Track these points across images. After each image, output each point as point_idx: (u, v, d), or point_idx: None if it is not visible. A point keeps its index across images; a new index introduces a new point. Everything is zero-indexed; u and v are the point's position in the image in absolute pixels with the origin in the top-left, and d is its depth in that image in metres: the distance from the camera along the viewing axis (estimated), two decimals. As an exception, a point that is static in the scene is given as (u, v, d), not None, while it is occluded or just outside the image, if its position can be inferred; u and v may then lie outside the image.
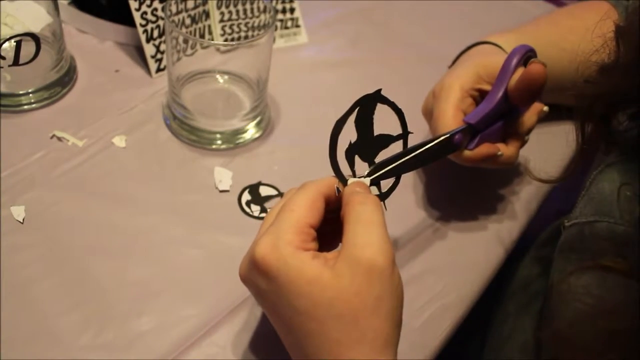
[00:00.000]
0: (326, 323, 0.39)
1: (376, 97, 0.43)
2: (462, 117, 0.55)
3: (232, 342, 0.50)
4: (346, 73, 0.75)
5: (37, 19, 0.62)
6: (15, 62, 0.61)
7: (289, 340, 0.42)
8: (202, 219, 0.57)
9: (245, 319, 0.51)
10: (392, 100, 0.44)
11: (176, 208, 0.58)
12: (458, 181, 0.65)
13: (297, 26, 0.77)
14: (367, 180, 0.44)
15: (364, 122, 0.43)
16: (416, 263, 0.57)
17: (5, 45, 0.60)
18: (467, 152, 0.55)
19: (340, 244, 0.41)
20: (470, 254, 0.59)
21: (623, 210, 0.46)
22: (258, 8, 0.67)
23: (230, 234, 0.56)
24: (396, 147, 0.46)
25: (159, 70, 0.69)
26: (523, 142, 0.59)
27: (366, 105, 0.43)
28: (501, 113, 0.56)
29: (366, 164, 0.45)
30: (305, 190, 0.42)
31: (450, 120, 0.55)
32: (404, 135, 0.46)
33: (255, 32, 0.69)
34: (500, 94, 0.55)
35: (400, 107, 0.45)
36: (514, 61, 0.55)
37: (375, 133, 0.44)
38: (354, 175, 0.44)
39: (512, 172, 0.67)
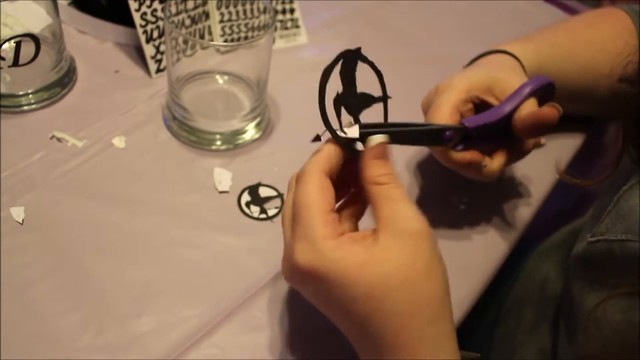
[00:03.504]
0: (385, 299, 0.39)
1: (357, 54, 0.44)
2: (458, 117, 0.55)
3: (232, 343, 0.50)
4: (346, 73, 0.75)
5: (37, 20, 0.62)
6: (15, 62, 0.61)
7: (352, 332, 0.42)
8: (202, 219, 0.57)
9: (244, 320, 0.51)
10: (371, 60, 0.45)
11: (176, 209, 0.58)
12: (457, 183, 0.65)
13: (297, 27, 0.77)
14: (356, 130, 0.44)
15: (348, 77, 0.44)
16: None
17: (5, 46, 0.60)
18: (452, 153, 0.55)
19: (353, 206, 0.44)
20: (470, 255, 0.59)
21: None
22: (258, 9, 0.67)
23: (230, 235, 0.56)
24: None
25: (158, 70, 0.70)
26: (509, 162, 0.58)
27: (348, 60, 0.44)
28: (498, 130, 0.55)
29: (351, 118, 0.45)
30: (308, 177, 0.42)
31: (446, 116, 0.54)
32: (384, 98, 0.46)
33: (255, 33, 0.69)
34: (505, 112, 0.54)
35: (388, 95, 0.45)
36: (528, 90, 0.54)
37: (359, 90, 0.44)
38: (341, 126, 0.44)
39: (511, 172, 0.67)
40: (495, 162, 0.56)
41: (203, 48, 0.64)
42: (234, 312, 0.52)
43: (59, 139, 0.62)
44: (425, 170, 0.65)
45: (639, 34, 0.61)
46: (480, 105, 0.57)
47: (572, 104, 0.59)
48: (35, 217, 0.55)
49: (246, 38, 0.70)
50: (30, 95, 0.64)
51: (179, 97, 0.63)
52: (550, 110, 0.52)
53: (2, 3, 0.60)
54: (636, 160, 0.50)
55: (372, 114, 0.45)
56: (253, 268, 0.55)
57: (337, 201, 0.43)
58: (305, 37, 0.78)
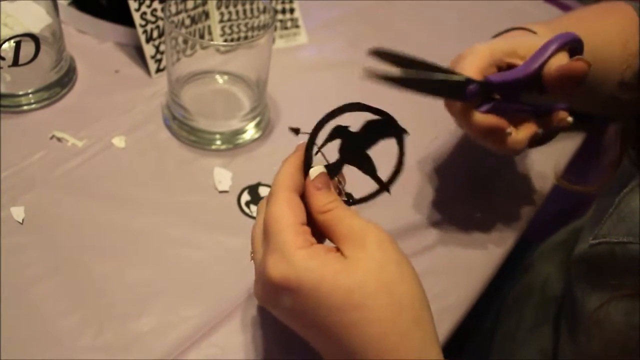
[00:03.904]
0: (364, 307, 0.38)
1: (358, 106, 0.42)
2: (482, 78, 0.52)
3: (232, 343, 0.50)
4: (346, 73, 0.75)
5: (36, 20, 0.62)
6: (15, 62, 0.61)
7: (332, 347, 0.40)
8: (202, 219, 0.57)
9: (244, 320, 0.51)
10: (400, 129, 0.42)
11: (175, 208, 0.58)
12: (457, 182, 0.65)
13: (297, 26, 0.77)
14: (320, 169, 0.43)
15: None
16: (415, 264, 0.57)
17: (5, 45, 0.60)
18: (476, 114, 0.51)
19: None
20: (470, 255, 0.59)
21: None
22: (258, 8, 0.67)
23: (230, 235, 0.56)
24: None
25: (158, 70, 0.70)
26: (534, 138, 0.54)
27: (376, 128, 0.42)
28: (526, 91, 0.52)
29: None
30: (275, 196, 0.41)
31: (471, 74, 0.51)
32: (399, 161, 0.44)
33: (255, 33, 0.69)
34: (532, 67, 0.51)
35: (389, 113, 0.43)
36: (556, 44, 0.51)
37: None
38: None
39: (511, 172, 0.67)
40: (521, 133, 0.53)
41: (203, 48, 0.64)
42: (234, 312, 0.52)
43: (59, 139, 0.62)
44: (424, 170, 0.65)
45: None
46: (506, 70, 0.54)
47: (580, 99, 0.58)
48: (35, 217, 0.55)
49: (246, 38, 0.70)
50: (30, 95, 0.64)
51: (179, 97, 0.63)
52: (580, 64, 0.50)
53: (2, 3, 0.60)
54: (636, 162, 0.49)
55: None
56: (253, 268, 0.55)
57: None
58: (305, 37, 0.78)
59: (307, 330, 0.41)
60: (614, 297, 0.46)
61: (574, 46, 0.53)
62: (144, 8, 0.66)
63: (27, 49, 0.61)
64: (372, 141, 0.43)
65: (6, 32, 0.60)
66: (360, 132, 0.43)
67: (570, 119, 0.55)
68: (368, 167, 0.44)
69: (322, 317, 0.38)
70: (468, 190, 0.64)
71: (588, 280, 0.52)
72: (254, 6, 0.68)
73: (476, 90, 0.49)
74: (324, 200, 0.41)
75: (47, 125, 0.63)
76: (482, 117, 0.51)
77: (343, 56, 0.77)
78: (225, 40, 0.70)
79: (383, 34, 0.82)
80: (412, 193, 0.63)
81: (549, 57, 0.51)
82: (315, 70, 0.75)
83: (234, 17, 0.69)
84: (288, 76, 0.73)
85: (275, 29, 0.76)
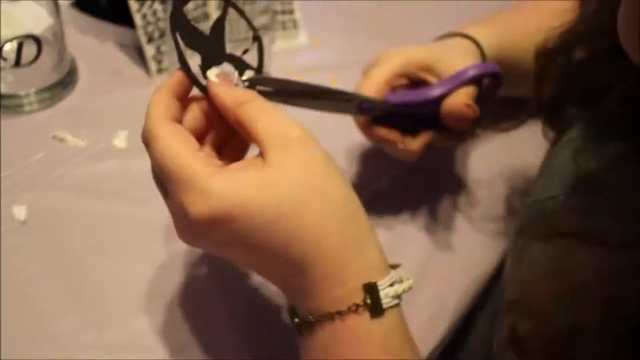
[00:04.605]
0: (298, 214, 0.37)
1: None
2: (387, 91, 0.53)
3: (232, 342, 0.50)
4: (346, 74, 0.75)
5: (38, 21, 0.63)
6: (17, 63, 0.61)
7: (274, 267, 0.39)
8: (202, 219, 0.57)
9: (245, 319, 0.52)
10: None
11: (176, 208, 0.58)
12: (457, 182, 0.65)
13: (297, 27, 0.78)
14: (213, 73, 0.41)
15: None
16: (414, 263, 0.58)
17: (7, 46, 0.60)
18: (370, 126, 0.53)
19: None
20: (470, 255, 0.59)
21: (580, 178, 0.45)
22: (257, 9, 0.68)
23: (230, 235, 0.57)
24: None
25: (159, 71, 0.70)
26: (437, 144, 0.56)
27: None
28: (425, 112, 0.53)
29: None
30: (154, 132, 0.39)
31: (373, 88, 0.52)
32: (256, 38, 0.43)
33: (255, 33, 0.69)
34: (433, 95, 0.52)
35: None
36: (468, 75, 0.52)
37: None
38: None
39: (511, 168, 0.67)
40: (416, 143, 0.54)
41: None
42: (234, 311, 0.52)
43: (60, 139, 0.62)
44: (418, 171, 0.65)
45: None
46: (418, 83, 0.55)
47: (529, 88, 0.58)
48: (36, 217, 0.55)
49: (246, 38, 0.70)
50: (32, 96, 0.64)
51: (179, 98, 0.63)
52: (468, 110, 0.51)
53: (3, 4, 0.61)
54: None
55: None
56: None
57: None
58: (305, 37, 0.78)
59: (246, 256, 0.39)
60: (531, 239, 0.46)
61: (493, 78, 0.54)
62: (144, 9, 0.67)
63: (29, 49, 0.61)
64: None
65: (8, 33, 0.61)
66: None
67: (478, 132, 0.57)
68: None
69: (257, 238, 0.37)
70: (467, 190, 0.64)
71: (519, 242, 0.50)
72: (254, 7, 0.69)
73: (370, 108, 0.51)
74: (238, 93, 0.40)
75: (49, 125, 0.63)
76: (376, 130, 0.53)
77: (342, 57, 0.77)
78: (229, 42, 0.70)
79: (383, 35, 0.82)
80: (410, 193, 0.63)
81: (457, 87, 0.52)
82: (314, 71, 0.75)
83: (234, 17, 0.69)
84: (288, 76, 0.73)
85: (275, 29, 0.76)
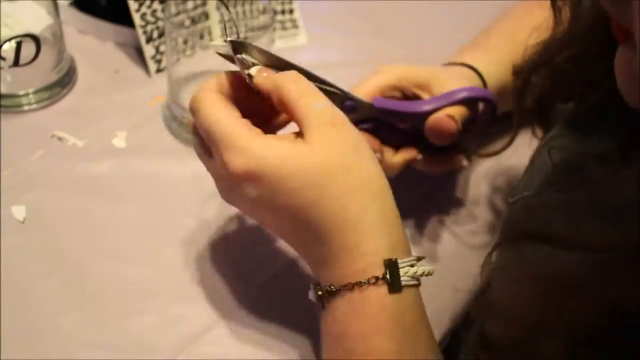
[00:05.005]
0: (324, 185, 0.39)
1: None
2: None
3: (233, 342, 0.50)
4: (346, 74, 0.75)
5: (37, 20, 0.63)
6: (16, 63, 0.61)
7: (296, 229, 0.42)
8: (202, 218, 0.57)
9: (246, 318, 0.51)
10: None
11: (176, 208, 0.58)
12: (457, 181, 0.65)
13: (297, 27, 0.78)
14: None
15: None
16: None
17: (6, 46, 0.60)
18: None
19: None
20: (470, 254, 0.59)
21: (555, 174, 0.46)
22: (257, 9, 0.68)
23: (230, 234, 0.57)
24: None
25: (158, 70, 0.70)
26: (419, 165, 0.56)
27: None
28: (413, 126, 0.53)
29: None
30: (203, 100, 0.42)
31: (363, 91, 0.53)
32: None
33: (255, 33, 0.69)
34: (422, 109, 0.52)
35: None
36: (459, 96, 0.52)
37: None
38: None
39: (513, 170, 0.67)
40: (397, 157, 0.55)
41: (203, 48, 0.64)
42: (234, 311, 0.52)
43: (59, 139, 0.62)
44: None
45: None
46: (412, 99, 0.55)
47: None
48: (35, 216, 0.55)
49: (246, 39, 0.70)
50: (31, 95, 0.64)
51: (179, 97, 0.63)
52: (450, 122, 0.51)
53: (2, 3, 0.61)
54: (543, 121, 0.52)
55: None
56: (254, 267, 0.55)
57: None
58: (305, 37, 0.78)
59: (274, 219, 0.42)
60: (501, 242, 0.47)
61: (487, 105, 0.54)
62: (144, 8, 0.67)
63: (28, 49, 0.61)
64: None
65: (7, 33, 0.60)
66: None
67: (465, 162, 0.57)
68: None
69: (284, 201, 0.40)
70: (467, 190, 0.64)
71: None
72: (254, 7, 0.69)
73: (352, 107, 0.50)
74: (285, 75, 0.43)
75: (48, 125, 0.63)
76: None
77: (342, 57, 0.77)
78: (225, 41, 0.70)
79: (383, 35, 0.82)
80: (408, 193, 0.63)
81: (445, 106, 0.52)
82: (314, 71, 0.75)
83: (233, 17, 0.70)
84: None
85: (275, 29, 0.76)
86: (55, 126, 0.63)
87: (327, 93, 0.47)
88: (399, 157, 0.55)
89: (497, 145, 0.59)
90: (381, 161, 0.52)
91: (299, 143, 0.40)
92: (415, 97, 0.55)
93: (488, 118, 0.56)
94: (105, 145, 0.62)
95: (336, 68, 0.75)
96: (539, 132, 0.54)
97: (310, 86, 0.43)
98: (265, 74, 0.43)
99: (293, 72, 0.43)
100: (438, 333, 0.53)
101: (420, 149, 0.55)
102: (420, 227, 0.60)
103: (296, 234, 0.43)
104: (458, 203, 0.63)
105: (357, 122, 0.51)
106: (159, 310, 0.51)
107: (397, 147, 0.55)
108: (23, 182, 0.57)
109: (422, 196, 0.63)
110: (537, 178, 0.48)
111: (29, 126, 0.63)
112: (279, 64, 0.45)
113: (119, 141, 0.63)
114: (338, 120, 0.41)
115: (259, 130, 0.41)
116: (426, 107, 0.52)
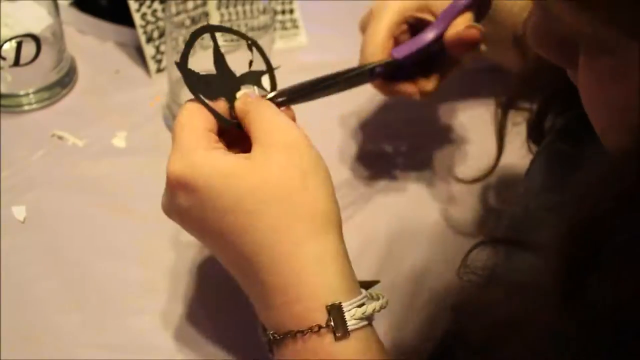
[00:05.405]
0: (256, 212, 0.37)
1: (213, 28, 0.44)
2: (391, 44, 0.54)
3: (233, 341, 0.50)
4: (345, 74, 0.75)
5: (37, 20, 0.63)
6: (16, 62, 0.61)
7: (228, 252, 0.39)
8: (202, 219, 0.58)
9: (246, 318, 0.51)
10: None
11: (176, 208, 0.58)
12: (457, 182, 0.65)
13: (297, 27, 0.78)
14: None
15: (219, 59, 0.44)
16: (415, 261, 0.58)
17: (6, 46, 0.60)
18: (388, 86, 0.55)
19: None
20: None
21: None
22: (257, 9, 0.68)
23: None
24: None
25: (158, 70, 0.70)
26: (445, 76, 0.57)
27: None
28: (431, 51, 0.54)
29: None
30: (184, 107, 0.41)
31: (379, 47, 0.53)
32: (269, 69, 0.46)
33: (255, 33, 0.69)
34: (435, 33, 0.53)
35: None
36: (459, 6, 0.53)
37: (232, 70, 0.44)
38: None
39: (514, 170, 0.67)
40: (430, 84, 0.56)
41: (203, 48, 0.64)
42: (235, 311, 0.52)
43: (59, 138, 0.62)
44: (418, 168, 0.66)
45: None
46: (417, 25, 0.55)
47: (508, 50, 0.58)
48: (35, 216, 0.55)
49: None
50: (31, 95, 0.64)
51: (179, 97, 0.63)
52: (472, 31, 0.52)
53: (2, 3, 0.61)
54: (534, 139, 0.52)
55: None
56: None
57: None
58: (305, 37, 0.78)
59: (205, 237, 0.40)
60: (475, 246, 0.45)
61: (483, 4, 0.55)
62: (144, 8, 0.67)
63: (28, 49, 0.61)
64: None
65: (7, 33, 0.61)
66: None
67: (483, 47, 0.55)
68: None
69: (213, 219, 0.37)
70: (467, 190, 0.64)
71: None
72: (254, 7, 0.69)
73: (382, 70, 0.52)
74: (247, 97, 0.42)
75: (48, 125, 0.63)
76: (393, 88, 0.55)
77: (343, 57, 0.76)
78: (225, 41, 0.71)
79: (383, 35, 0.82)
80: (408, 192, 0.63)
81: (452, 20, 0.53)
82: (315, 71, 0.74)
83: (233, 17, 0.70)
84: (288, 77, 0.72)
85: (275, 29, 0.76)
86: (55, 126, 0.63)
87: (352, 76, 0.49)
88: (432, 84, 0.55)
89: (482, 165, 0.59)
90: (422, 96, 0.54)
91: (240, 160, 0.38)
92: (420, 21, 0.55)
93: (487, 7, 0.57)
94: (105, 145, 0.62)
95: (336, 68, 0.75)
96: (533, 147, 0.54)
97: (271, 110, 0.41)
98: (246, 99, 0.42)
99: (255, 100, 0.42)
100: (449, 318, 0.53)
101: (443, 61, 0.56)
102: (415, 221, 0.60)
103: (230, 261, 0.39)
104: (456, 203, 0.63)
105: (387, 77, 0.53)
106: (159, 310, 0.51)
107: (426, 73, 0.56)
108: (23, 182, 0.57)
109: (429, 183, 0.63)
110: (533, 183, 0.48)
111: (29, 126, 0.63)
112: (306, 88, 0.47)
113: (119, 141, 0.63)
114: (293, 143, 0.39)
115: (219, 145, 0.40)
116: (437, 30, 0.54)
